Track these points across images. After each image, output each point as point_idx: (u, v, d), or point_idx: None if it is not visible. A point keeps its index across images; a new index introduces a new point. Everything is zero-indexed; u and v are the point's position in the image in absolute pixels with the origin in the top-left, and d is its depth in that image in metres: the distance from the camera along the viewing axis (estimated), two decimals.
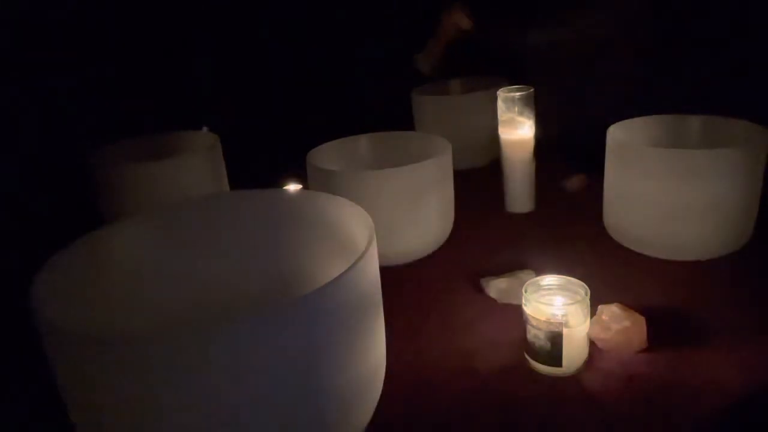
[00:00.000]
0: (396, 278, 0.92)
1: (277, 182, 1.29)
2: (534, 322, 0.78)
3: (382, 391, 0.66)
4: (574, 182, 1.40)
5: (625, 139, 1.08)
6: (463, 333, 0.90)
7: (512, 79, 1.37)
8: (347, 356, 0.58)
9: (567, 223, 1.23)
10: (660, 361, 0.79)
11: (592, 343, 0.81)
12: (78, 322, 0.59)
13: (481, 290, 0.99)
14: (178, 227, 0.78)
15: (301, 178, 1.21)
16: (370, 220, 0.66)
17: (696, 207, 0.97)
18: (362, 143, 1.26)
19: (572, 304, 0.78)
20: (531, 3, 1.43)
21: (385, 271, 0.68)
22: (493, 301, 0.97)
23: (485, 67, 1.72)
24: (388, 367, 0.68)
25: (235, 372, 0.50)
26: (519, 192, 1.32)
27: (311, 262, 0.79)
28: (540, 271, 0.92)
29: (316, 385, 0.55)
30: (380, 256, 0.65)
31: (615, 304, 0.83)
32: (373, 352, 0.63)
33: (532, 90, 1.26)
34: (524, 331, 0.80)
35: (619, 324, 0.81)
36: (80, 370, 0.52)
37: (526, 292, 0.80)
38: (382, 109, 1.66)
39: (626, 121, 1.12)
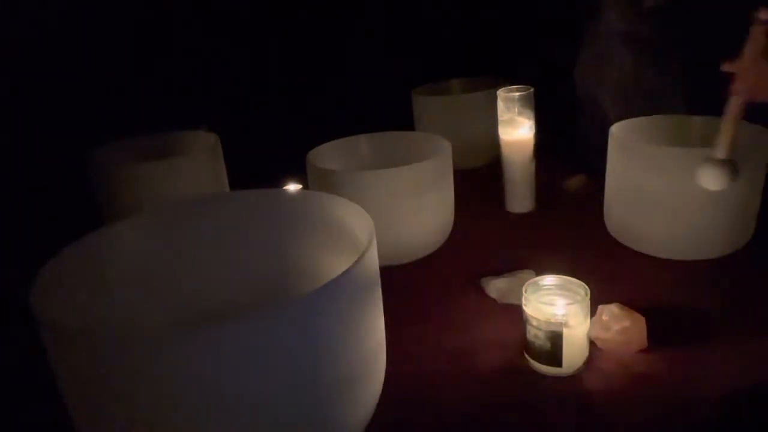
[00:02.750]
0: (396, 278, 0.92)
1: (277, 182, 1.29)
2: (534, 322, 0.78)
3: (382, 390, 0.66)
4: (574, 182, 1.40)
5: (626, 138, 1.08)
6: (463, 333, 0.90)
7: (512, 79, 1.37)
8: (347, 356, 0.58)
9: (567, 223, 1.23)
10: (660, 361, 0.79)
11: (592, 343, 0.81)
12: (78, 322, 0.59)
13: (481, 290, 0.99)
14: (178, 227, 0.78)
15: (301, 178, 1.21)
16: (370, 220, 0.66)
17: (697, 207, 0.97)
18: (362, 143, 1.25)
19: (572, 304, 0.78)
20: None
21: (385, 271, 0.68)
22: (493, 301, 0.97)
23: (485, 67, 1.72)
24: (388, 366, 0.68)
25: (234, 371, 0.50)
26: (519, 192, 1.31)
27: (311, 262, 0.79)
28: (540, 271, 0.92)
29: (315, 385, 0.55)
30: (380, 256, 0.65)
31: (615, 304, 0.83)
32: (372, 351, 0.63)
33: (532, 90, 1.26)
34: (524, 331, 0.80)
35: (619, 324, 0.81)
36: (80, 370, 0.52)
37: (526, 292, 0.80)
38: (382, 109, 1.65)
39: (628, 120, 1.12)
